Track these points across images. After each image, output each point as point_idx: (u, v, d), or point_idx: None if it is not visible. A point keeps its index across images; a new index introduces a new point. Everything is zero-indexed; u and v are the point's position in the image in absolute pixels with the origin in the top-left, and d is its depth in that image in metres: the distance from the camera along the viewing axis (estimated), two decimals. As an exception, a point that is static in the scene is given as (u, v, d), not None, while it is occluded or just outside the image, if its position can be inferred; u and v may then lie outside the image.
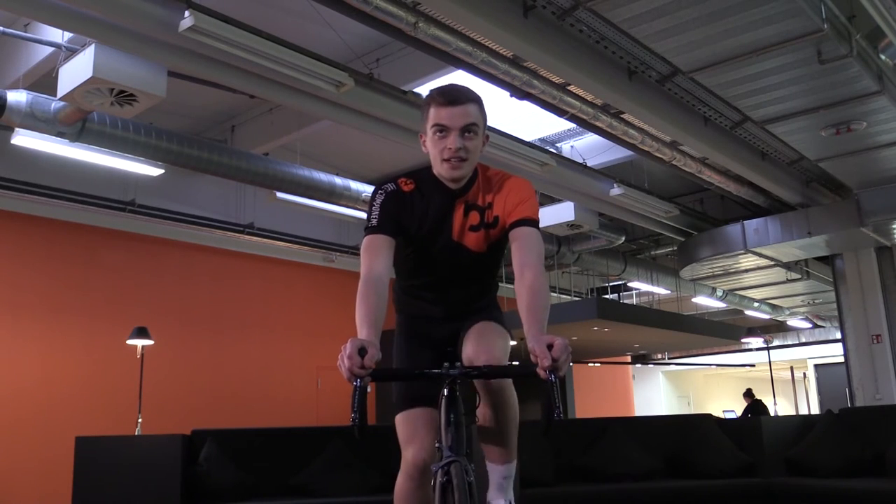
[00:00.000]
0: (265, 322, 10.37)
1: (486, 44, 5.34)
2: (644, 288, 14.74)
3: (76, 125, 6.02)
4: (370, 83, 5.89)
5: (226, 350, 9.84)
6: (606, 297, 15.63)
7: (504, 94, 6.21)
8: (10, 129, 6.17)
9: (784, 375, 17.65)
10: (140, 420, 6.88)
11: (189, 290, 9.66)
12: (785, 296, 14.48)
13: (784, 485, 4.59)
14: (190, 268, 9.74)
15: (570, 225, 9.49)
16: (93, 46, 5.11)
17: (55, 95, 5.50)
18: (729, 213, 10.72)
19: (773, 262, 10.77)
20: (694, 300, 14.72)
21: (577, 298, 13.98)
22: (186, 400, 9.05)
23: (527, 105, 6.44)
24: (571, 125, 7.54)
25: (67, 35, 5.38)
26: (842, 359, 10.09)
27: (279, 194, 7.97)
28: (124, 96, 5.46)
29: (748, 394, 13.02)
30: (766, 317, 16.85)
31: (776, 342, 18.04)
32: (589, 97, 6.32)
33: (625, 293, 16.49)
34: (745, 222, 9.79)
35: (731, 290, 13.98)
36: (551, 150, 8.29)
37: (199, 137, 7.35)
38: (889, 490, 4.06)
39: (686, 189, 10.38)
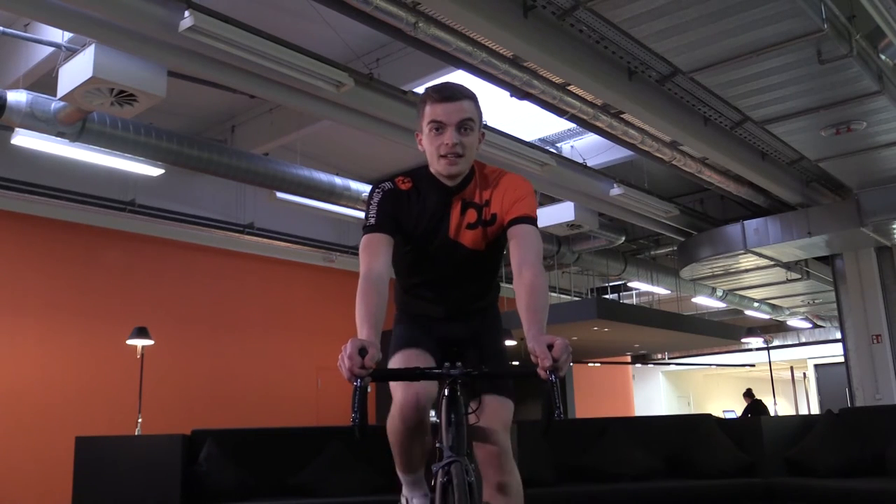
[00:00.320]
0: (265, 322, 10.37)
1: (486, 44, 5.34)
2: (644, 288, 14.74)
3: (76, 125, 6.02)
4: (370, 83, 5.89)
5: (226, 350, 9.84)
6: (606, 297, 15.63)
7: (504, 94, 6.21)
8: (10, 129, 6.17)
9: (784, 375, 17.64)
10: (140, 420, 6.88)
11: (189, 290, 9.66)
12: (785, 296, 14.47)
13: (784, 485, 4.59)
14: (190, 268, 9.74)
15: (570, 225, 9.49)
16: (93, 46, 5.11)
17: (55, 95, 5.50)
18: (729, 213, 10.72)
19: (773, 262, 10.77)
20: (694, 300, 14.72)
21: (577, 298, 13.98)
22: (186, 400, 9.05)
23: (527, 105, 6.44)
24: (571, 125, 7.54)
25: (67, 35, 5.37)
26: (842, 359, 10.09)
27: (279, 194, 7.97)
28: (124, 96, 5.46)
29: (748, 394, 13.02)
30: (766, 317, 16.85)
31: (776, 342, 18.04)
32: (589, 97, 6.32)
33: (625, 293, 16.49)
34: (745, 222, 9.78)
35: (731, 290, 13.97)
36: (551, 150, 8.30)
37: (199, 137, 7.35)
38: (889, 490, 4.06)
39: (686, 189, 10.38)
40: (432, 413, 2.07)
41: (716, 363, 19.51)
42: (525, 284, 1.87)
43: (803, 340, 19.02)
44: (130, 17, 4.68)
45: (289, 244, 9.85)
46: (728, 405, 18.00)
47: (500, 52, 5.49)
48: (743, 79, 5.83)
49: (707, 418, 5.30)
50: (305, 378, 10.48)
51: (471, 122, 1.99)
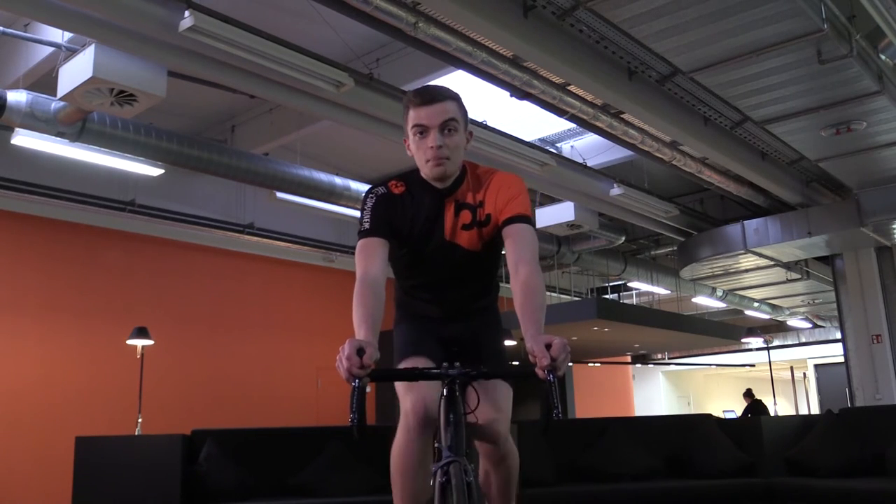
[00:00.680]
0: (265, 322, 10.37)
1: (486, 44, 5.34)
2: (644, 288, 14.74)
3: (76, 125, 6.02)
4: (370, 83, 5.89)
5: (226, 350, 9.84)
6: (606, 297, 15.63)
7: (504, 94, 6.21)
8: (10, 129, 6.17)
9: (784, 375, 17.65)
10: (140, 420, 6.88)
11: (189, 290, 9.66)
12: (785, 296, 14.47)
13: (784, 485, 4.58)
14: (190, 268, 9.74)
15: (570, 225, 9.49)
16: (93, 46, 5.11)
17: (55, 95, 5.50)
18: (729, 213, 10.72)
19: (773, 262, 10.77)
20: (694, 300, 14.72)
21: (577, 298, 13.98)
22: (186, 400, 9.05)
23: (527, 105, 6.44)
24: (571, 125, 7.54)
25: (67, 35, 5.37)
26: (842, 359, 10.09)
27: (279, 194, 7.97)
28: (124, 96, 5.46)
29: (748, 394, 13.02)
30: (766, 317, 16.85)
31: (776, 342, 18.04)
32: (589, 97, 6.32)
33: (625, 293, 16.49)
34: (745, 222, 9.78)
35: (731, 290, 13.97)
36: (551, 150, 8.29)
37: (199, 137, 7.35)
38: (889, 490, 4.06)
39: (686, 189, 10.38)
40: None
41: (716, 363, 19.51)
42: (521, 284, 1.87)
43: (803, 340, 19.01)
44: (130, 17, 4.68)
45: (289, 244, 9.85)
46: (728, 405, 18.01)
47: (500, 52, 5.49)
48: (743, 79, 5.82)
49: (707, 418, 5.29)
50: (305, 378, 10.48)
51: (454, 123, 1.98)
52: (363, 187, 8.13)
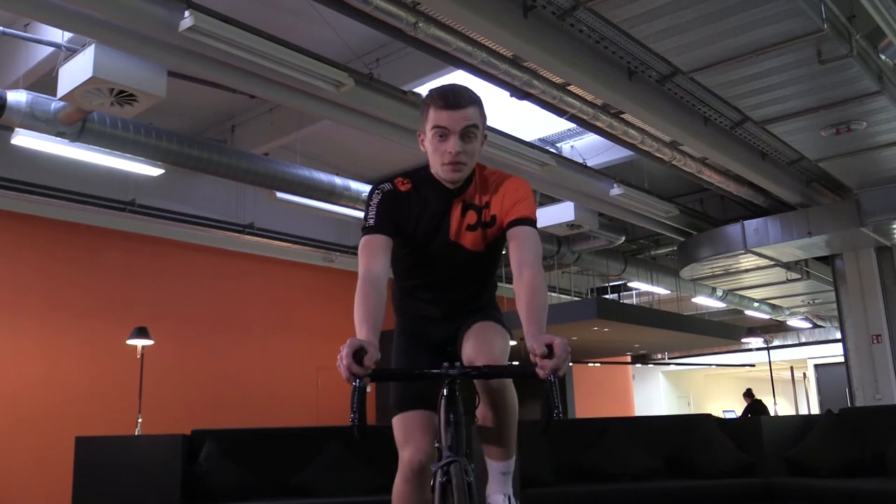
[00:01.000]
0: (265, 322, 10.37)
1: (486, 44, 5.34)
2: (644, 288, 14.73)
3: (76, 125, 6.02)
4: (370, 83, 5.89)
5: (226, 350, 9.84)
6: (606, 297, 15.63)
7: (504, 94, 6.21)
8: (10, 129, 6.17)
9: (784, 375, 17.64)
10: (140, 420, 6.88)
11: (189, 290, 9.66)
12: (785, 296, 14.47)
13: (784, 485, 4.59)
14: (190, 268, 9.74)
15: (570, 225, 9.49)
16: (93, 46, 5.11)
17: (55, 95, 5.50)
18: (729, 213, 10.72)
19: (773, 262, 10.77)
20: (694, 300, 14.72)
21: (577, 298, 13.98)
22: (186, 400, 9.05)
23: (527, 105, 6.44)
24: (571, 125, 7.54)
25: (67, 35, 5.37)
26: (842, 359, 10.08)
27: (279, 194, 7.97)
28: (124, 96, 5.46)
29: (748, 394, 13.02)
30: (766, 317, 16.85)
31: (776, 342, 18.04)
32: (589, 97, 6.32)
33: (625, 293, 16.49)
34: (745, 222, 9.78)
35: (731, 290, 13.97)
36: (551, 150, 8.29)
37: (199, 137, 7.35)
38: (889, 490, 4.06)
39: (686, 189, 10.38)
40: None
41: (716, 363, 19.51)
42: (525, 285, 1.88)
43: (803, 340, 19.02)
44: (130, 17, 4.67)
45: (289, 244, 9.85)
46: (728, 405, 18.01)
47: (500, 52, 5.49)
48: (743, 79, 5.82)
49: (707, 418, 5.30)
50: (305, 378, 10.48)
51: (474, 129, 1.98)
52: (363, 187, 8.13)
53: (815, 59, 5.44)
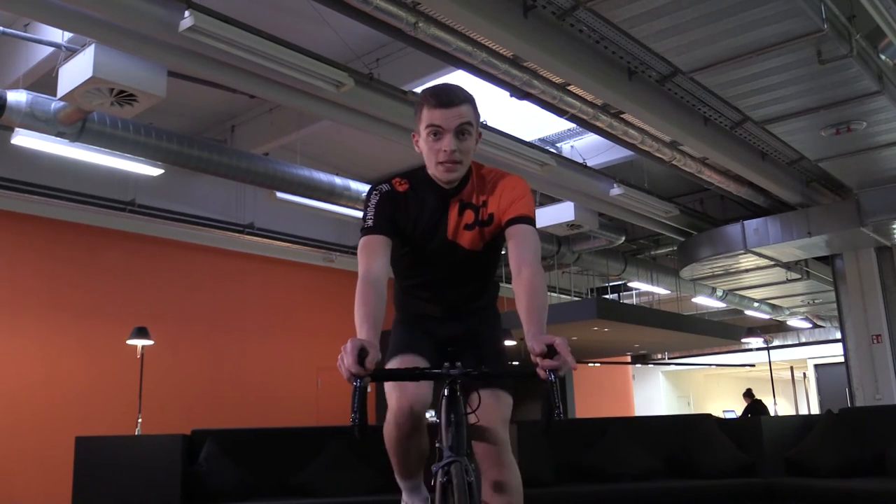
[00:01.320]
0: (265, 322, 10.37)
1: (486, 44, 5.34)
2: (644, 288, 14.73)
3: (76, 125, 6.02)
4: (370, 83, 5.89)
5: (226, 350, 9.84)
6: (606, 297, 15.63)
7: (504, 94, 6.21)
8: (10, 129, 6.17)
9: (784, 375, 17.64)
10: (140, 420, 6.88)
11: (189, 290, 9.66)
12: (785, 296, 14.47)
13: (784, 485, 4.59)
14: (190, 268, 9.74)
15: (570, 225, 9.49)
16: (93, 46, 5.11)
17: (55, 95, 5.50)
18: (729, 213, 10.72)
19: (773, 262, 10.77)
20: (694, 300, 14.72)
21: (577, 298, 13.98)
22: (186, 400, 9.05)
23: (527, 105, 6.44)
24: (571, 125, 7.54)
25: (67, 35, 5.37)
26: (842, 359, 10.08)
27: (279, 194, 7.97)
28: (124, 96, 5.46)
29: (748, 394, 13.01)
30: (766, 317, 16.85)
31: (776, 342, 18.05)
32: (589, 97, 6.32)
33: (625, 293, 16.49)
34: (745, 222, 9.78)
35: (731, 290, 13.97)
36: (551, 150, 8.29)
37: (199, 137, 7.35)
38: (889, 490, 4.06)
39: (686, 189, 10.38)
40: (431, 414, 2.07)
41: (716, 363, 19.51)
42: (524, 284, 1.88)
43: (803, 340, 19.02)
44: (130, 17, 4.67)
45: (289, 244, 9.85)
46: (728, 405, 17.99)
47: (500, 52, 5.49)
48: (743, 79, 5.82)
49: (707, 418, 5.30)
50: (305, 378, 10.48)
51: (469, 127, 1.98)
52: (363, 187, 8.13)
53: (815, 59, 5.43)
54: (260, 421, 8.99)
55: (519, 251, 1.95)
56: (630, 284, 14.92)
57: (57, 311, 8.42)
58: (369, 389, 1.66)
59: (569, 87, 6.12)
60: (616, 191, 8.39)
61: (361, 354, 1.62)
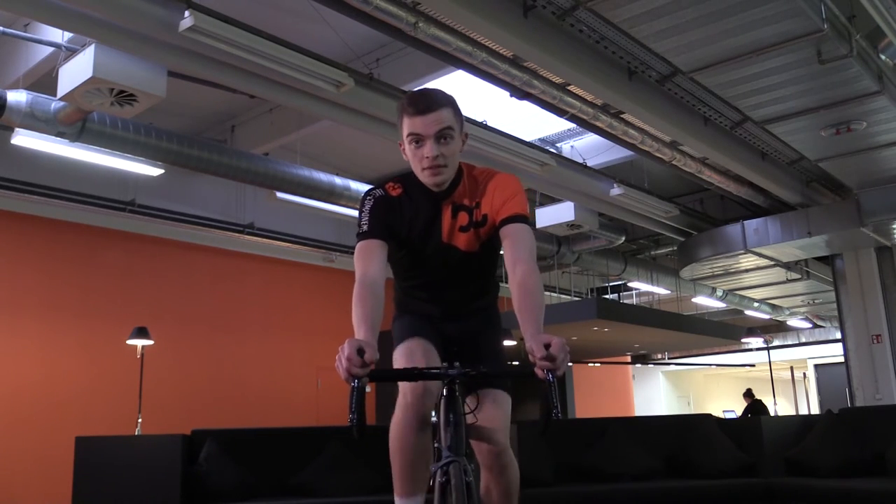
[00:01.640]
0: (265, 322, 10.38)
1: (486, 44, 5.34)
2: (644, 288, 14.73)
3: (76, 125, 6.02)
4: (370, 83, 5.89)
5: (226, 350, 9.84)
6: (606, 297, 15.63)
7: (504, 94, 6.21)
8: (10, 129, 6.17)
9: (784, 375, 17.64)
10: (140, 420, 6.88)
11: (189, 290, 9.66)
12: (785, 296, 14.47)
13: (784, 485, 4.58)
14: (190, 268, 9.74)
15: (570, 225, 9.49)
16: (93, 46, 5.11)
17: (55, 95, 5.50)
18: (729, 213, 10.72)
19: (773, 262, 10.77)
20: (694, 300, 14.72)
21: (577, 298, 13.98)
22: (186, 400, 9.05)
23: (527, 105, 6.44)
24: (571, 125, 7.54)
25: (67, 35, 5.38)
26: (842, 359, 10.08)
27: (279, 194, 7.97)
28: (124, 96, 5.46)
29: (748, 394, 13.01)
30: (766, 317, 16.85)
31: (776, 342, 18.04)
32: (589, 97, 6.32)
33: (625, 293, 16.49)
34: (745, 222, 9.78)
35: (731, 290, 13.97)
36: (551, 150, 8.29)
37: (199, 137, 7.36)
38: (889, 490, 4.06)
39: (686, 189, 10.38)
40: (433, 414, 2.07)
41: (716, 363, 19.51)
42: (519, 283, 1.87)
43: (803, 340, 19.01)
44: (130, 17, 4.68)
45: (289, 244, 9.85)
46: (728, 405, 18.00)
47: (500, 52, 5.49)
48: (743, 79, 5.83)
49: (707, 418, 5.29)
50: (305, 378, 10.48)
51: (450, 131, 1.97)
52: (363, 187, 8.13)
53: (815, 59, 5.44)
54: (260, 421, 8.99)
55: (513, 250, 1.95)
56: (630, 284, 14.92)
57: (57, 311, 8.42)
58: (368, 389, 1.66)
59: (569, 87, 6.12)
60: (616, 191, 8.39)
61: (359, 354, 1.62)
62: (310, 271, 10.96)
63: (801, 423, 5.13)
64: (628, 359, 19.13)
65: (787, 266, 11.49)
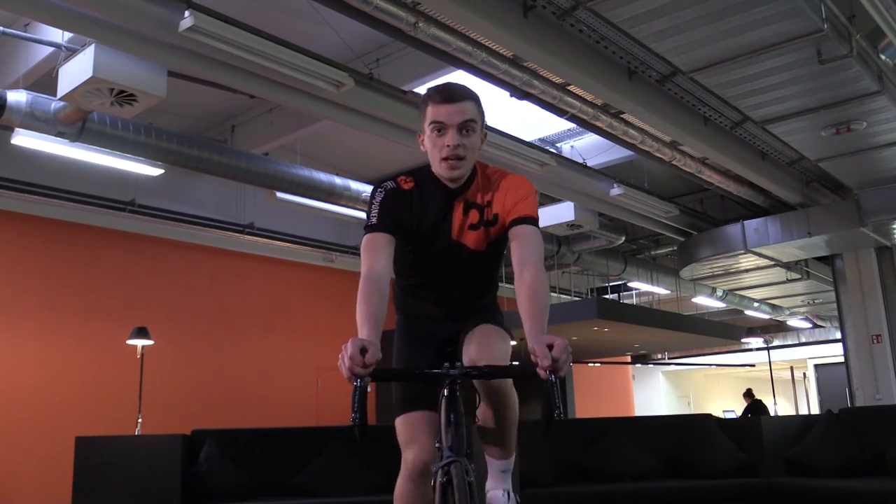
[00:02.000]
0: (265, 322, 10.37)
1: (486, 44, 5.34)
2: (644, 288, 14.73)
3: (76, 125, 6.02)
4: (370, 83, 5.89)
5: (226, 350, 9.84)
6: (606, 297, 15.63)
7: (504, 94, 6.21)
8: (10, 129, 6.17)
9: (784, 375, 17.65)
10: (140, 420, 6.88)
11: (189, 290, 9.66)
12: (785, 296, 14.48)
13: (784, 485, 4.59)
14: (190, 268, 9.74)
15: (570, 225, 9.49)
16: (93, 46, 5.11)
17: (55, 95, 5.50)
18: (729, 213, 10.72)
19: (773, 262, 10.77)
20: (694, 300, 14.72)
21: (577, 298, 13.98)
22: (186, 400, 9.05)
23: (527, 105, 6.44)
24: (571, 125, 7.54)
25: (67, 35, 5.37)
26: (842, 359, 10.09)
27: (279, 194, 7.97)
28: (124, 96, 5.46)
29: (748, 394, 13.02)
30: (766, 317, 16.85)
31: (776, 342, 18.05)
32: (589, 97, 6.32)
33: (625, 293, 16.49)
34: (745, 222, 9.79)
35: (731, 290, 13.98)
36: (551, 150, 8.29)
37: (199, 137, 7.35)
38: (889, 490, 4.06)
39: (686, 189, 10.38)
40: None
41: (716, 363, 19.51)
42: (526, 285, 1.87)
43: (803, 340, 19.02)
44: (130, 17, 4.67)
45: (289, 244, 9.85)
46: (728, 405, 18.01)
47: (500, 52, 5.49)
48: (743, 79, 5.82)
49: (707, 418, 5.30)
50: (305, 378, 10.48)
51: (472, 124, 1.98)
52: (363, 187, 8.13)
53: (815, 59, 5.44)
54: (260, 421, 8.98)
55: (522, 252, 1.95)
56: (630, 284, 14.92)
57: (57, 311, 8.42)
58: (369, 389, 1.66)
59: (569, 87, 6.12)
60: (616, 191, 8.39)
61: (362, 354, 1.62)
62: (310, 271, 10.95)
63: (801, 423, 5.13)
64: (628, 359, 19.13)
65: (787, 266, 11.49)
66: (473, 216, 2.08)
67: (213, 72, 5.41)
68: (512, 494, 2.12)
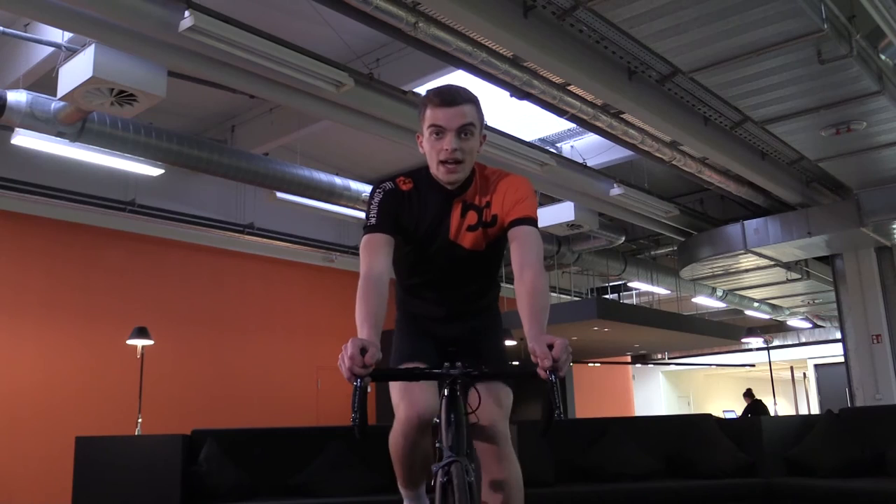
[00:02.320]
0: (265, 322, 10.38)
1: (486, 44, 5.34)
2: (644, 288, 14.74)
3: (76, 125, 6.02)
4: (370, 83, 5.89)
5: (226, 350, 9.84)
6: (606, 297, 15.63)
7: (504, 94, 6.21)
8: (10, 129, 6.17)
9: (784, 375, 17.65)
10: (140, 420, 6.88)
11: (189, 290, 9.66)
12: (785, 296, 14.48)
13: (784, 485, 4.59)
14: (190, 268, 9.74)
15: (570, 225, 9.49)
16: (93, 46, 5.11)
17: (55, 95, 5.50)
18: (729, 213, 10.72)
19: (773, 262, 10.77)
20: (694, 300, 14.72)
21: (577, 298, 13.98)
22: (186, 400, 9.05)
23: (527, 105, 6.44)
24: (571, 125, 7.54)
25: (67, 35, 5.38)
26: (842, 359, 10.09)
27: (279, 194, 7.97)
28: (124, 96, 5.46)
29: (748, 394, 13.02)
30: (766, 317, 16.85)
31: (776, 342, 18.04)
32: (589, 97, 6.32)
33: (625, 293, 16.49)
34: (745, 222, 9.79)
35: (731, 290, 13.98)
36: (551, 150, 8.29)
37: (199, 137, 7.35)
38: (889, 490, 4.06)
39: (686, 189, 10.38)
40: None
41: (716, 363, 19.51)
42: (526, 285, 1.87)
43: (803, 340, 19.02)
44: (130, 17, 4.67)
45: (289, 244, 9.85)
46: (728, 405, 18.01)
47: (500, 52, 5.49)
48: (743, 79, 5.83)
49: (707, 418, 5.29)
50: (305, 378, 10.48)
51: (471, 127, 1.98)
52: (363, 187, 8.14)
53: (815, 59, 5.44)
54: (260, 421, 8.98)
55: (522, 253, 1.95)
56: (630, 284, 14.92)
57: (57, 311, 8.42)
58: (370, 389, 1.66)
59: (569, 87, 6.12)
60: (616, 191, 8.39)
61: (362, 354, 1.62)
62: (310, 271, 10.96)
63: (801, 423, 5.13)
64: (628, 359, 19.13)
65: (787, 266, 11.49)
66: (471, 217, 2.08)
67: (213, 72, 5.41)
68: None
